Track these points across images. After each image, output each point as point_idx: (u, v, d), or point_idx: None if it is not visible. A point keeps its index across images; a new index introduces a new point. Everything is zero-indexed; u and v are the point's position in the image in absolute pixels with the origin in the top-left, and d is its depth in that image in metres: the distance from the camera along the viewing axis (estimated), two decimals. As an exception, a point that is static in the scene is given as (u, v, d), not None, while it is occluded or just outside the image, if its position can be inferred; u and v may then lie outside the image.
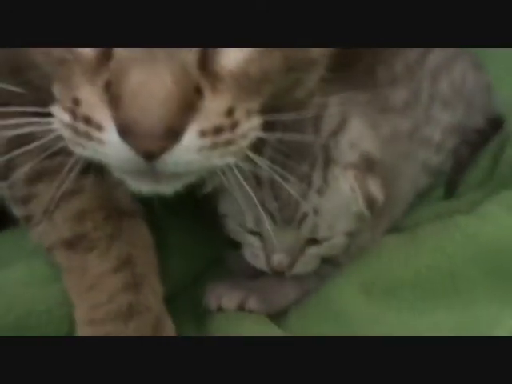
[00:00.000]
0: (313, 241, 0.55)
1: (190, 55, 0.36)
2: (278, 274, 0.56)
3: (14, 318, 0.53)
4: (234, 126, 0.39)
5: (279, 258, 0.55)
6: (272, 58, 0.39)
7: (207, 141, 0.37)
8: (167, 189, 0.41)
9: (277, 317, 0.60)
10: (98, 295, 0.50)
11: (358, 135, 0.55)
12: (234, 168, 0.42)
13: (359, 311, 0.56)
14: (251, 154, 0.42)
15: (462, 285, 0.56)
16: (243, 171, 0.44)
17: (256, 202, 0.49)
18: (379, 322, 0.56)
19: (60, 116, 0.39)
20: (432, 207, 0.67)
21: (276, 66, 0.40)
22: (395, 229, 0.66)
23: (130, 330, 0.50)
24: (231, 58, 0.38)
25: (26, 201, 0.52)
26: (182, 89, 0.35)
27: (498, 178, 0.64)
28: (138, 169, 0.38)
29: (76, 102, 0.38)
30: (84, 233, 0.51)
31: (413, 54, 0.69)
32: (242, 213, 0.54)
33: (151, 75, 0.35)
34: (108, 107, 0.36)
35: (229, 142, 0.39)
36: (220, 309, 0.59)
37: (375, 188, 0.53)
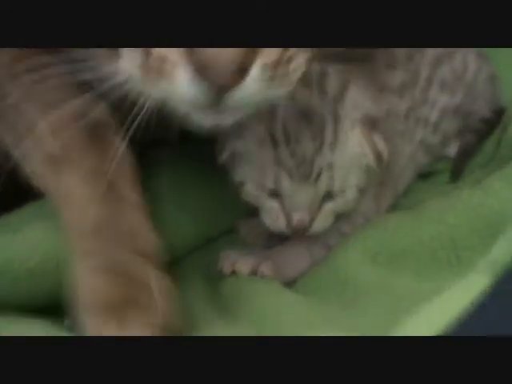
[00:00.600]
0: (328, 196, 0.59)
1: None
2: (298, 234, 0.60)
3: (34, 264, 0.56)
4: (289, 59, 0.44)
5: (299, 216, 0.59)
6: None
7: (268, 73, 0.42)
8: (229, 120, 0.45)
9: (287, 286, 0.63)
10: None
11: (360, 96, 0.60)
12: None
13: (364, 278, 0.59)
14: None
15: (463, 254, 0.59)
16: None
17: (274, 160, 0.54)
18: (383, 287, 0.58)
19: (132, 55, 0.42)
20: (436, 188, 0.70)
21: None
22: (400, 208, 0.69)
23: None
24: None
25: None
26: None
27: (500, 158, 0.67)
28: (207, 103, 0.41)
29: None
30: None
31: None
32: (261, 175, 0.58)
33: None
34: (184, 48, 0.40)
35: (285, 75, 0.44)
36: (233, 273, 0.62)
37: (380, 142, 0.58)
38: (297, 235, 0.61)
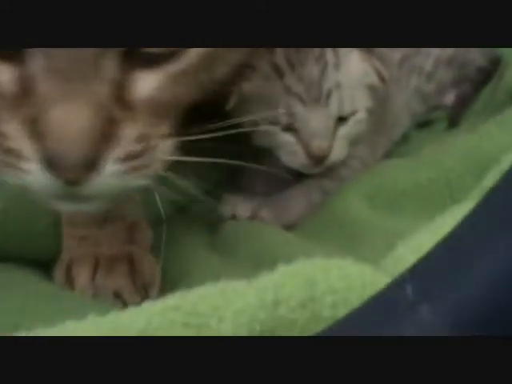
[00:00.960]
0: (341, 120, 0.61)
1: (104, 89, 0.38)
2: (318, 164, 0.61)
3: (44, 226, 0.58)
4: (148, 150, 0.41)
5: (318, 143, 0.60)
6: (183, 83, 0.41)
7: (124, 166, 0.39)
8: (90, 208, 0.43)
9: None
10: None
11: None
12: None
13: (362, 218, 0.61)
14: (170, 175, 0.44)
15: (458, 195, 0.60)
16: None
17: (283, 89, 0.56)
18: (381, 228, 0.60)
19: None
20: (434, 136, 0.71)
21: (190, 90, 0.42)
22: (397, 155, 0.70)
23: (104, 231, 0.56)
24: (143, 87, 0.39)
25: None
26: (98, 121, 0.38)
27: (496, 104, 0.68)
28: (61, 194, 0.40)
29: (2, 134, 0.39)
30: None
31: None
32: (273, 109, 0.60)
33: (70, 111, 0.37)
34: (31, 140, 0.38)
35: (144, 166, 0.41)
36: (233, 217, 0.64)
37: (378, 64, 0.61)
38: (316, 166, 0.62)
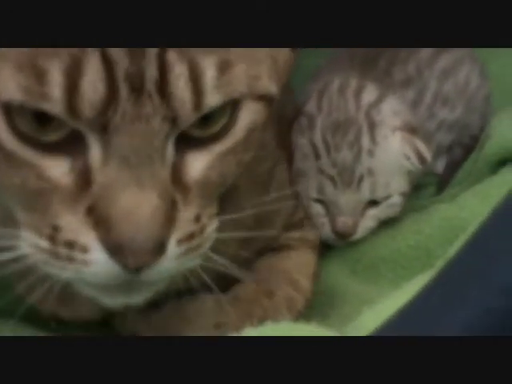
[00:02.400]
0: (372, 202, 0.64)
1: (165, 172, 0.38)
2: (342, 239, 0.64)
3: None
4: (202, 230, 0.41)
5: (343, 220, 0.63)
6: (228, 162, 0.41)
7: (183, 248, 0.40)
8: (139, 298, 0.43)
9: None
10: None
11: (397, 107, 0.65)
12: None
13: (344, 284, 0.63)
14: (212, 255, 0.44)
15: (437, 262, 0.62)
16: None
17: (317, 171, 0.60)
18: (361, 294, 0.62)
19: (35, 241, 0.39)
20: (418, 202, 0.74)
21: (232, 169, 0.42)
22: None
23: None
24: (196, 167, 0.40)
25: None
26: (165, 205, 0.38)
27: (476, 174, 0.71)
28: (122, 283, 0.39)
29: (56, 228, 0.38)
30: None
31: (425, 54, 0.76)
32: (306, 185, 0.64)
33: (138, 198, 0.37)
34: (94, 230, 0.37)
35: (199, 246, 0.41)
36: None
37: (421, 145, 0.62)
38: (341, 241, 0.65)
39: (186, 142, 0.39)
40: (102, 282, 0.40)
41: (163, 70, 0.36)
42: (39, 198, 0.38)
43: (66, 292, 0.48)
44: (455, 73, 0.78)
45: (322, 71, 0.74)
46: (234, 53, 0.38)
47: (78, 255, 0.38)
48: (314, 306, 0.63)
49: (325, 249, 0.67)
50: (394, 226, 0.67)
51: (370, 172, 0.62)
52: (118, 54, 0.35)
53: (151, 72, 0.35)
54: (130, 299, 0.42)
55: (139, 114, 0.36)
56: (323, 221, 0.65)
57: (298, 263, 0.65)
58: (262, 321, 0.59)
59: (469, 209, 0.64)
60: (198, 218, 0.41)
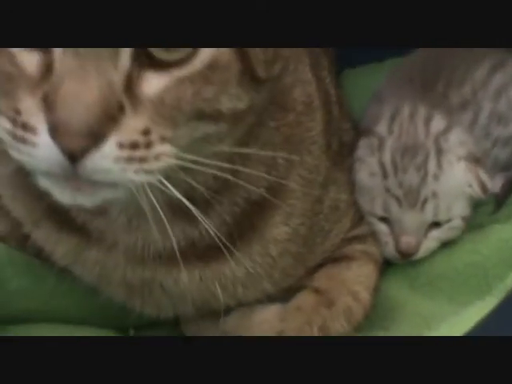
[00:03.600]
0: (434, 224, 0.67)
1: (116, 76, 0.42)
2: (405, 258, 0.68)
3: None
4: (148, 145, 0.44)
5: (407, 239, 0.67)
6: (184, 89, 0.44)
7: (124, 153, 0.42)
8: (87, 200, 0.45)
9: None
10: None
11: (464, 137, 0.70)
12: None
13: (403, 299, 0.67)
14: (165, 181, 0.46)
15: (493, 281, 0.65)
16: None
17: (383, 189, 0.64)
18: (420, 308, 0.66)
19: (3, 124, 0.44)
20: (475, 219, 0.77)
21: (187, 98, 0.45)
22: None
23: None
24: (152, 85, 0.43)
25: None
26: (105, 101, 0.41)
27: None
28: (62, 172, 0.43)
29: (17, 111, 0.43)
30: None
31: (479, 75, 0.79)
32: (372, 203, 0.68)
33: (82, 86, 0.41)
34: (43, 112, 0.41)
35: (143, 159, 0.44)
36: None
37: (483, 175, 0.66)
38: (403, 259, 0.68)
39: (149, 61, 0.43)
40: (47, 167, 0.43)
41: None
42: (8, 83, 0.43)
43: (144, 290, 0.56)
44: (507, 90, 0.80)
45: (384, 94, 0.78)
46: None
47: (29, 136, 0.42)
48: (373, 319, 0.66)
49: (384, 265, 0.71)
50: (451, 244, 0.70)
51: (434, 195, 0.66)
52: None
53: None
54: (77, 199, 0.45)
55: None
56: (387, 240, 0.68)
57: (359, 274, 0.68)
58: (321, 329, 0.63)
59: (525, 230, 0.67)
60: (146, 132, 0.43)
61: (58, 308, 0.65)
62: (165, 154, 0.45)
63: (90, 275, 0.60)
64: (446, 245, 0.70)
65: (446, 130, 0.69)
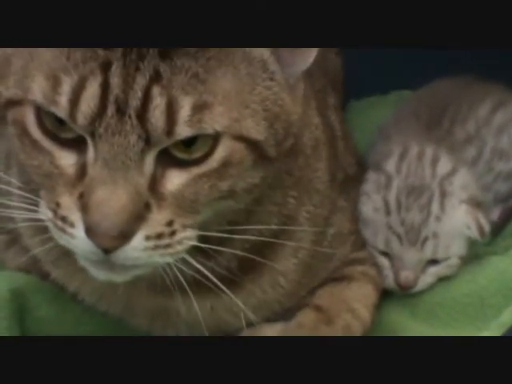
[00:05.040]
0: (433, 261, 0.71)
1: (142, 179, 0.47)
2: (404, 290, 0.71)
3: None
4: (172, 234, 0.49)
5: (406, 274, 0.71)
6: (202, 184, 0.49)
7: (150, 243, 0.49)
8: (119, 278, 0.52)
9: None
10: None
11: (468, 181, 0.73)
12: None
13: (404, 323, 0.71)
14: (189, 259, 0.52)
15: (489, 311, 0.70)
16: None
17: (386, 226, 0.68)
18: (420, 333, 0.69)
19: (45, 212, 0.51)
20: (474, 248, 0.81)
21: (205, 191, 0.50)
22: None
23: None
24: (174, 181, 0.49)
25: None
26: (134, 204, 0.47)
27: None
28: (97, 259, 0.49)
29: (57, 204, 0.49)
30: None
31: (482, 112, 0.83)
32: (374, 237, 0.72)
33: (112, 194, 0.47)
34: (79, 211, 0.48)
35: (168, 246, 0.50)
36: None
37: (482, 219, 0.70)
38: (402, 292, 0.72)
39: (171, 160, 0.48)
40: (84, 255, 0.50)
41: (146, 100, 0.46)
42: (49, 179, 0.50)
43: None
44: (509, 128, 0.84)
45: (391, 131, 0.82)
46: (215, 96, 0.47)
47: (68, 229, 0.49)
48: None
49: (385, 293, 0.74)
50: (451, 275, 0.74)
51: (435, 235, 0.70)
52: (114, 81, 0.46)
53: (135, 100, 0.46)
54: (111, 277, 0.52)
55: (119, 130, 0.46)
56: (387, 273, 0.72)
57: (358, 293, 0.71)
58: None
59: (521, 262, 0.71)
60: (170, 223, 0.49)
61: (85, 334, 0.69)
62: (187, 238, 0.51)
63: (115, 309, 0.65)
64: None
65: (452, 173, 0.73)
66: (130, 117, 0.46)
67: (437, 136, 0.78)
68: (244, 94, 0.49)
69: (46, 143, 0.49)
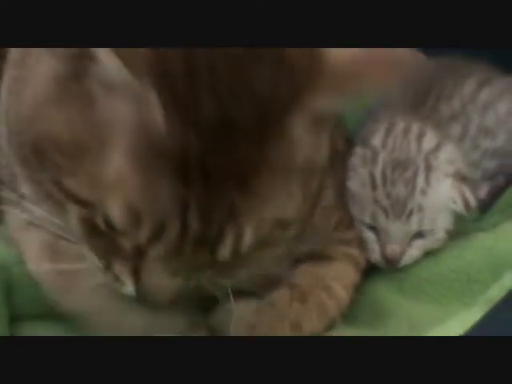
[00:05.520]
0: (419, 234, 0.72)
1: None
2: (391, 264, 0.72)
3: None
4: None
5: (392, 247, 0.72)
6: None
7: None
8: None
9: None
10: None
11: (454, 156, 0.74)
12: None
13: (391, 299, 0.71)
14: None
15: (475, 287, 0.70)
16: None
17: (372, 200, 0.69)
18: (408, 309, 0.70)
19: (96, 262, 0.54)
20: (462, 225, 0.81)
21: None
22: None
23: None
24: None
25: None
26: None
27: (517, 205, 0.78)
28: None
29: (110, 265, 0.53)
30: None
31: (468, 88, 0.83)
32: (361, 211, 0.73)
33: (168, 280, 0.51)
34: (132, 277, 0.52)
35: None
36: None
37: (468, 192, 0.71)
38: (389, 266, 0.73)
39: None
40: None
41: (219, 235, 0.49)
42: (105, 251, 0.53)
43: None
44: (496, 105, 0.85)
45: (378, 109, 0.82)
46: (268, 217, 0.50)
47: (118, 282, 0.53)
48: (362, 319, 0.71)
49: (372, 269, 0.75)
50: (437, 250, 0.74)
51: (420, 208, 0.70)
52: (193, 223, 0.48)
53: (210, 237, 0.49)
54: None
55: (186, 253, 0.49)
56: (374, 246, 0.73)
57: (336, 272, 0.72)
58: (293, 324, 0.67)
59: (506, 239, 0.71)
60: None
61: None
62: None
63: None
64: (433, 251, 0.74)
65: (437, 148, 0.74)
66: (200, 246, 0.49)
67: (422, 113, 0.79)
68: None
69: (111, 232, 0.50)
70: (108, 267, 0.53)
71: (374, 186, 0.72)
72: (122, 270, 0.52)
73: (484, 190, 0.89)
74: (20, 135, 0.54)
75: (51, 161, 0.49)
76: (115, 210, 0.48)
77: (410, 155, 0.72)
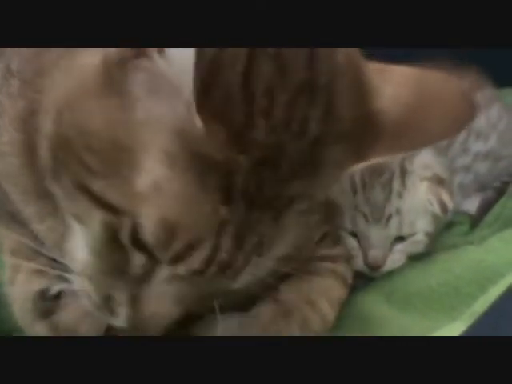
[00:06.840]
0: (400, 238, 0.72)
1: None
2: (373, 270, 0.73)
3: None
4: None
5: (374, 253, 0.72)
6: None
7: None
8: None
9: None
10: None
11: (429, 162, 0.74)
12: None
13: (379, 311, 0.71)
14: None
15: (464, 299, 0.70)
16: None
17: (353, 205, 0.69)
18: (396, 320, 0.70)
19: (93, 296, 0.51)
20: (450, 239, 0.82)
21: None
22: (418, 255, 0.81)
23: None
24: None
25: None
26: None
27: (504, 219, 0.78)
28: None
29: (108, 298, 0.50)
30: None
31: None
32: (341, 217, 0.72)
33: (159, 308, 0.49)
34: (129, 308, 0.49)
35: None
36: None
37: (445, 195, 0.71)
38: (372, 272, 0.73)
39: None
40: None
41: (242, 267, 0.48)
42: (113, 275, 0.49)
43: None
44: (487, 109, 0.85)
45: None
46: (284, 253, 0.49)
47: (109, 313, 0.51)
48: (349, 332, 0.71)
49: (360, 280, 0.75)
50: (426, 263, 0.74)
51: (398, 211, 0.71)
52: (225, 246, 0.45)
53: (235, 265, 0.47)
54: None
55: (209, 277, 0.47)
56: (356, 253, 0.73)
57: (320, 286, 0.70)
58: None
59: (495, 253, 0.71)
60: None
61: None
62: None
63: None
64: (420, 262, 0.74)
65: (411, 154, 0.73)
66: (223, 272, 0.47)
67: None
68: None
69: (130, 248, 0.47)
70: (106, 300, 0.50)
71: (354, 191, 0.72)
72: (120, 297, 0.49)
73: (474, 204, 0.89)
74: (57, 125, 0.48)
75: (80, 161, 0.45)
76: (149, 221, 0.43)
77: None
